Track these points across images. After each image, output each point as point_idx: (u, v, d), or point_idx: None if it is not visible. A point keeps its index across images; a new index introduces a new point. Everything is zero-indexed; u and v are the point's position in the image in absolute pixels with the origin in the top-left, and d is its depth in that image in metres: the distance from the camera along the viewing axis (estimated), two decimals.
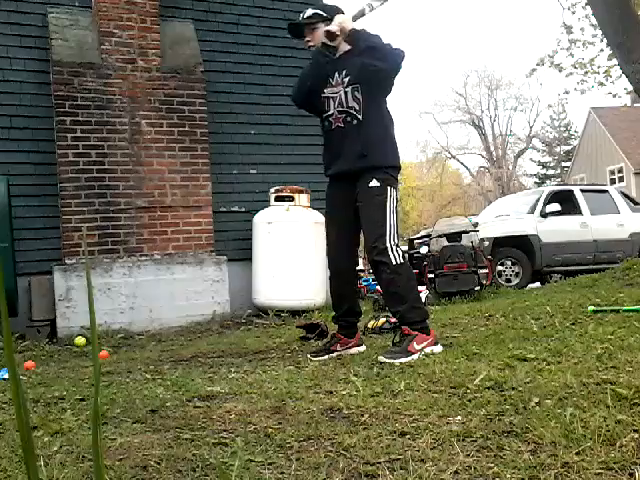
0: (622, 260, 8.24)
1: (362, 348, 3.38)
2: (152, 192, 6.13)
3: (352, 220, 3.22)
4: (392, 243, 3.06)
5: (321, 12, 3.28)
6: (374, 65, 3.06)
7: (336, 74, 3.23)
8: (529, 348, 2.77)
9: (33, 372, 3.51)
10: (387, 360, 2.82)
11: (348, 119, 3.19)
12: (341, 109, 3.20)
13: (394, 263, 3.04)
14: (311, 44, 3.30)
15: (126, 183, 6.03)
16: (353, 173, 3.19)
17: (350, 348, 3.33)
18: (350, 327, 3.37)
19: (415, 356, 2.86)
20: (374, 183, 3.11)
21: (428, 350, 2.95)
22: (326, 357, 3.19)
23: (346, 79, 3.19)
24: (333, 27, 3.12)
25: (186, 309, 6.01)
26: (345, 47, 3.25)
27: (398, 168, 3.31)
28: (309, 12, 3.30)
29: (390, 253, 3.05)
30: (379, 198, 3.10)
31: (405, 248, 13.43)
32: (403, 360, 2.80)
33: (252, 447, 1.63)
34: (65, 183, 5.82)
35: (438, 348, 3.02)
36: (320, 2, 7.63)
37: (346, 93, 3.18)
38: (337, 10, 3.29)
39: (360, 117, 3.16)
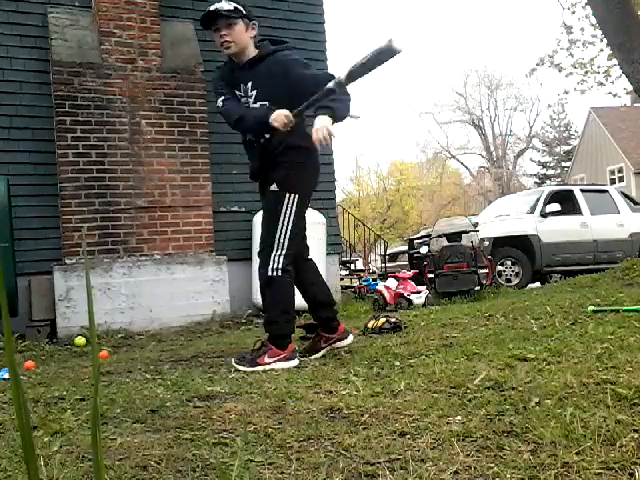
0: (622, 260, 8.24)
1: (346, 341, 3.27)
2: (152, 192, 6.13)
3: None
4: (275, 253, 3.00)
5: (241, 8, 3.03)
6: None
7: (241, 84, 3.11)
8: (529, 348, 2.77)
9: (33, 372, 3.51)
10: (235, 365, 2.98)
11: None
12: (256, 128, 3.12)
13: (269, 274, 3.01)
14: (227, 39, 3.01)
15: (126, 183, 6.03)
16: (262, 171, 3.20)
17: (334, 343, 3.25)
18: (328, 322, 3.27)
19: (259, 368, 2.91)
20: (273, 187, 3.06)
21: (278, 366, 2.95)
22: (314, 357, 3.19)
23: (253, 92, 3.08)
24: (285, 120, 2.89)
25: (186, 309, 6.01)
26: (249, 54, 3.09)
27: (303, 161, 3.07)
28: (230, 5, 3.01)
29: (270, 262, 3.00)
30: (275, 204, 3.04)
31: (404, 248, 13.44)
32: (247, 369, 2.90)
33: (252, 447, 1.63)
34: (65, 183, 5.82)
35: (291, 363, 2.99)
36: (321, 2, 7.64)
37: (254, 109, 3.09)
38: (250, 14, 3.09)
39: (267, 135, 3.07)
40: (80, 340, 5.10)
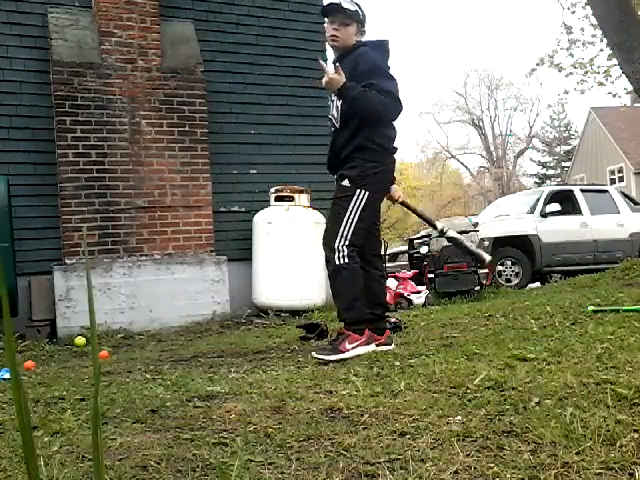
0: (622, 260, 8.24)
1: (391, 347, 3.23)
2: (152, 192, 6.13)
3: None
4: (341, 243, 3.12)
5: (361, 11, 3.27)
6: (358, 112, 3.15)
7: None
8: (529, 348, 2.77)
9: (33, 372, 3.51)
10: (318, 357, 2.97)
11: (329, 124, 3.41)
12: (329, 115, 3.39)
13: (337, 263, 3.11)
14: (337, 35, 3.23)
15: (126, 183, 6.03)
16: (334, 172, 3.36)
17: (379, 346, 3.22)
18: (379, 320, 3.31)
19: (345, 355, 2.96)
20: (345, 182, 3.20)
21: (359, 351, 3.03)
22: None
23: None
24: (326, 78, 3.15)
25: (186, 309, 6.01)
26: (343, 48, 3.28)
27: (375, 160, 3.20)
28: (353, 6, 3.23)
29: (336, 252, 3.11)
30: (344, 198, 3.17)
31: (404, 248, 13.44)
32: (332, 358, 2.94)
33: (252, 447, 1.63)
34: (65, 183, 5.82)
35: (370, 347, 3.10)
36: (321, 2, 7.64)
37: (333, 102, 3.31)
38: (364, 11, 3.31)
39: (337, 125, 3.29)
40: (80, 340, 5.10)
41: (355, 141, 3.20)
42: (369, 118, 3.16)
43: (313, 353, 3.06)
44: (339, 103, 3.23)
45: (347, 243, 3.12)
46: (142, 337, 5.37)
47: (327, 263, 3.21)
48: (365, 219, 3.19)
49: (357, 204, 3.15)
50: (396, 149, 3.33)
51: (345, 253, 3.11)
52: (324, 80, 3.17)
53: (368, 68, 3.16)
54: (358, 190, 3.16)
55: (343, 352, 2.99)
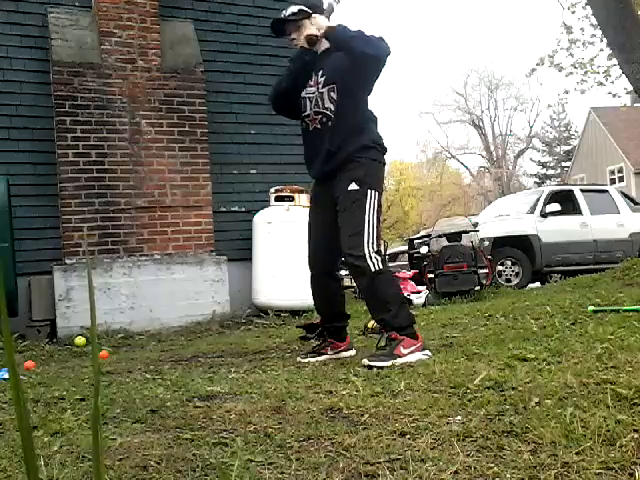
0: (622, 260, 8.24)
1: (352, 352, 3.32)
2: (152, 192, 6.13)
3: (334, 222, 3.08)
4: (370, 249, 2.93)
5: (305, 8, 3.10)
6: (361, 51, 2.89)
7: (313, 74, 3.16)
8: (529, 348, 2.77)
9: (33, 372, 3.51)
10: (372, 364, 2.73)
11: (324, 120, 3.11)
12: (317, 110, 3.12)
13: (373, 270, 2.92)
14: (296, 42, 3.14)
15: (126, 183, 6.03)
16: (331, 172, 3.11)
17: (340, 352, 3.29)
18: (338, 331, 3.32)
19: (402, 360, 2.75)
20: (353, 187, 3.00)
21: (417, 356, 2.82)
22: (314, 360, 3.17)
23: (322, 79, 3.11)
24: (314, 31, 3.05)
25: (186, 309, 6.01)
26: (324, 45, 3.15)
27: (378, 159, 3.11)
28: (294, 8, 3.10)
29: (368, 260, 2.92)
30: (358, 202, 2.99)
31: (404, 248, 13.45)
32: (387, 364, 2.71)
33: (252, 447, 1.63)
34: (65, 183, 5.82)
35: (426, 354, 2.88)
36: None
37: (322, 94, 3.11)
38: (317, 4, 3.17)
39: (332, 120, 3.09)
40: (80, 340, 5.10)
41: (360, 140, 3.05)
42: (370, 59, 2.94)
43: (365, 360, 2.80)
44: (333, 95, 3.06)
45: (375, 249, 2.96)
46: (142, 337, 5.37)
47: (359, 275, 3.01)
48: (379, 220, 3.05)
49: (372, 206, 3.00)
50: (387, 149, 3.24)
51: (378, 259, 2.95)
52: (305, 35, 3.03)
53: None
54: (369, 191, 3.00)
55: (400, 356, 2.77)
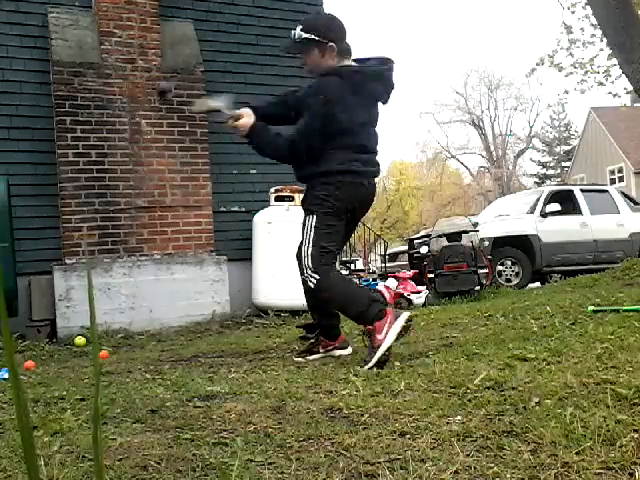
0: (622, 260, 8.25)
1: (347, 351, 3.30)
2: (152, 192, 6.13)
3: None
4: (308, 268, 2.99)
5: (315, 37, 3.06)
6: (266, 155, 3.63)
7: None
8: (529, 348, 2.77)
9: (33, 372, 3.51)
10: (367, 368, 2.71)
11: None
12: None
13: (313, 287, 3.00)
14: (305, 63, 3.19)
15: (126, 183, 6.03)
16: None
17: (332, 350, 3.30)
18: (328, 330, 3.32)
19: (384, 346, 2.73)
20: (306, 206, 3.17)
21: (394, 331, 2.78)
22: (304, 360, 3.18)
23: None
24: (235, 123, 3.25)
25: (186, 309, 6.01)
26: (317, 73, 3.17)
27: (328, 175, 3.12)
28: (305, 35, 3.08)
29: (308, 280, 3.00)
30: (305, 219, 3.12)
31: (404, 248, 13.44)
32: (376, 357, 2.71)
33: (252, 447, 1.63)
34: (65, 183, 5.82)
35: (401, 320, 2.81)
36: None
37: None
38: (326, 27, 3.13)
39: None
40: (80, 340, 5.10)
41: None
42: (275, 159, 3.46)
43: (365, 368, 2.73)
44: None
45: (313, 267, 3.07)
46: (142, 337, 5.37)
47: (309, 291, 3.18)
48: (323, 233, 3.16)
49: (311, 223, 3.16)
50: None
51: (315, 277, 3.08)
52: (229, 124, 3.24)
53: (305, 96, 3.18)
54: (309, 216, 3.18)
55: (380, 344, 2.74)
